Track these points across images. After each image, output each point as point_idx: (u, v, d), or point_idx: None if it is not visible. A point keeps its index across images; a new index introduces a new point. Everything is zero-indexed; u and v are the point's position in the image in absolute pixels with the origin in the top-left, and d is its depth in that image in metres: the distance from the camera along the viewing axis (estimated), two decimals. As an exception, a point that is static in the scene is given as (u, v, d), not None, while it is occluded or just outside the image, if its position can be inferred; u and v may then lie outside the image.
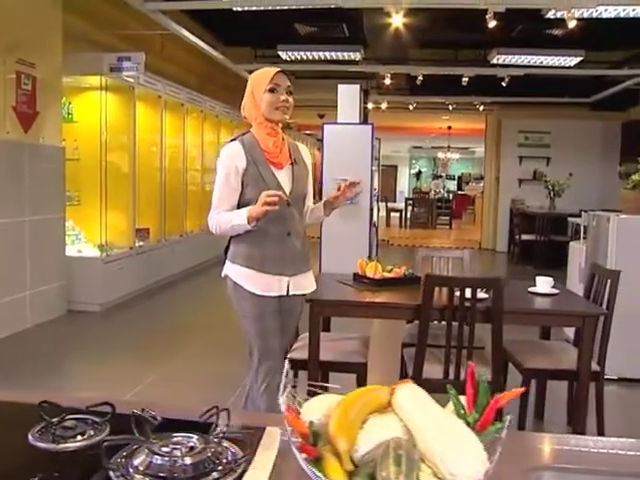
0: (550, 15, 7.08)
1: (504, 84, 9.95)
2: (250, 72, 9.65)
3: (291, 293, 2.86)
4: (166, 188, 8.43)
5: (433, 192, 22.31)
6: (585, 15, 6.70)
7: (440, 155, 23.74)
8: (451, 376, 3.09)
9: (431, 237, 15.62)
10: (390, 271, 3.63)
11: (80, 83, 6.95)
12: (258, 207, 2.60)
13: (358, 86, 7.96)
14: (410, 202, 19.66)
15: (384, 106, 12.06)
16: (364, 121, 9.18)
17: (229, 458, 1.20)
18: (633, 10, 6.84)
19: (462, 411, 1.05)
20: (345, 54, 9.47)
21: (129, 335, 5.97)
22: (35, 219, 6.01)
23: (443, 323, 3.14)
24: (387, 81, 9.89)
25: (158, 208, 8.23)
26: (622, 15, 6.89)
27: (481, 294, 3.15)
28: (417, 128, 19.28)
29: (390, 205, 19.30)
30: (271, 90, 2.77)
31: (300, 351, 3.34)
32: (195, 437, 1.22)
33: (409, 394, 1.06)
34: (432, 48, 10.84)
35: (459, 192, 23.67)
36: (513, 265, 11.33)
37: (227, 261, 2.91)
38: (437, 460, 0.94)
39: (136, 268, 7.38)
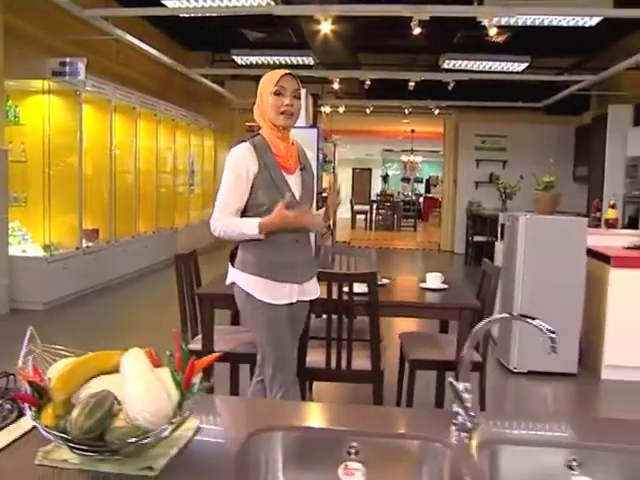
0: (485, 22, 7.33)
1: (449, 88, 10.20)
2: (204, 76, 9.77)
3: (299, 299, 2.85)
4: (117, 190, 8.59)
5: (402, 195, 22.62)
6: (506, 22, 7.00)
7: (404, 158, 24.06)
8: (333, 366, 3.30)
9: (393, 239, 15.88)
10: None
11: (26, 87, 7.10)
12: (277, 220, 2.63)
13: (304, 90, 8.16)
14: (376, 205, 19.98)
15: (341, 110, 12.29)
16: (313, 124, 9.36)
17: (4, 414, 1.41)
18: (575, 19, 7.16)
19: (174, 372, 1.25)
20: (299, 59, 9.69)
21: (71, 333, 6.10)
22: (-24, 220, 6.16)
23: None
24: (336, 85, 10.12)
25: (108, 209, 8.38)
26: (546, 24, 7.21)
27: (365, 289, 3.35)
28: (384, 131, 19.55)
29: (356, 208, 19.55)
30: (276, 93, 2.69)
31: (198, 342, 3.54)
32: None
33: (130, 358, 1.26)
34: (384, 53, 11.10)
35: (427, 195, 24.01)
36: (466, 266, 11.58)
37: (234, 269, 2.84)
38: (127, 407, 1.15)
39: (83, 268, 7.53)
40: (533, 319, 1.41)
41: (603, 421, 1.92)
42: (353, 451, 1.41)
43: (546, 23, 7.36)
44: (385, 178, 26.77)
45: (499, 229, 5.72)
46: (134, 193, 9.22)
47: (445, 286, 3.76)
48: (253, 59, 9.88)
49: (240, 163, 2.73)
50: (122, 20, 7.82)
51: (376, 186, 29.16)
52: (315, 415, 1.57)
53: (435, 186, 24.23)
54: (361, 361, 3.34)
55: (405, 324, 5.51)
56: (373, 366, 3.31)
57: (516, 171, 12.55)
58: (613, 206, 5.81)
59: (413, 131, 18.24)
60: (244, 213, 2.78)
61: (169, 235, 10.41)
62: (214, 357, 1.25)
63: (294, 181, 2.80)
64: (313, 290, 2.94)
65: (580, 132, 12.38)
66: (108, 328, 6.33)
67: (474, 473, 1.27)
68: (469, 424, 1.38)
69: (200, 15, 7.61)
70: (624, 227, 7.84)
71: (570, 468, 1.41)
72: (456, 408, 1.40)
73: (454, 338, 3.84)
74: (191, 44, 11.56)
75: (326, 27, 6.08)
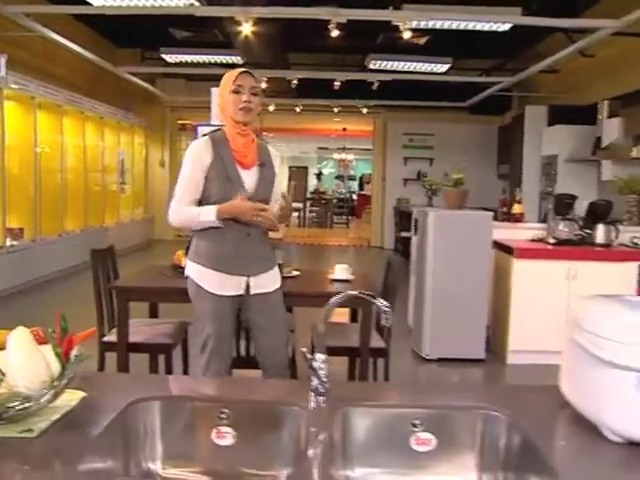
0: (400, 26, 7.61)
1: (374, 88, 10.51)
2: (134, 74, 9.74)
3: (252, 292, 2.91)
4: (43, 188, 8.55)
5: (337, 192, 22.96)
6: (425, 25, 7.28)
7: (335, 156, 24.45)
8: (243, 354, 3.50)
9: (325, 235, 16.17)
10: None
11: (-55, 84, 7.04)
12: (233, 207, 2.75)
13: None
14: (310, 202, 20.29)
15: (272, 108, 12.45)
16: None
17: None
18: (489, 24, 7.51)
19: (55, 346, 1.41)
20: (227, 58, 9.81)
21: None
22: None
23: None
24: (263, 85, 10.28)
25: (33, 208, 8.34)
26: (462, 27, 7.54)
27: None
28: (317, 130, 19.82)
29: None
30: (235, 91, 2.80)
31: (114, 334, 3.66)
32: None
33: (15, 335, 1.42)
34: (313, 53, 11.35)
35: (360, 192, 24.45)
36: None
37: (188, 261, 2.95)
38: (8, 376, 1.31)
39: (7, 267, 7.50)
40: (374, 298, 1.64)
41: (443, 385, 2.16)
42: (224, 416, 1.60)
43: (462, 27, 7.71)
44: (319, 176, 27.08)
45: (412, 224, 5.99)
46: (61, 191, 9.18)
47: (352, 277, 3.98)
48: (182, 57, 9.97)
49: (196, 154, 2.86)
50: (49, 17, 7.80)
51: (312, 184, 29.41)
52: (192, 386, 1.75)
53: (368, 183, 24.64)
54: (270, 349, 3.53)
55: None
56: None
57: (443, 168, 12.83)
58: (519, 201, 6.17)
59: (345, 129, 18.56)
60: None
61: (99, 233, 10.38)
62: (89, 332, 1.42)
63: (249, 176, 2.89)
64: (268, 283, 2.98)
65: (502, 131, 12.86)
66: (32, 326, 6.33)
67: (325, 431, 1.47)
68: (321, 389, 1.58)
69: (125, 14, 7.65)
70: (541, 222, 8.25)
71: (414, 426, 1.63)
72: (311, 376, 1.61)
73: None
74: (120, 42, 11.54)
75: (247, 28, 6.24)
